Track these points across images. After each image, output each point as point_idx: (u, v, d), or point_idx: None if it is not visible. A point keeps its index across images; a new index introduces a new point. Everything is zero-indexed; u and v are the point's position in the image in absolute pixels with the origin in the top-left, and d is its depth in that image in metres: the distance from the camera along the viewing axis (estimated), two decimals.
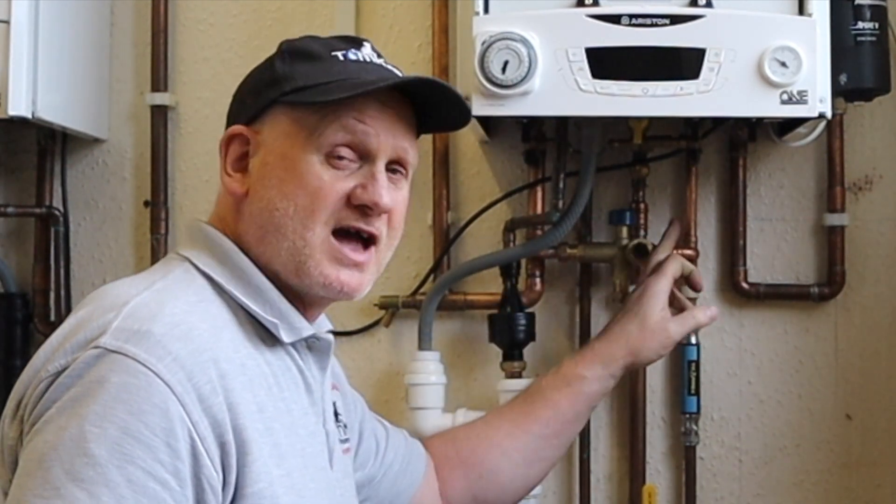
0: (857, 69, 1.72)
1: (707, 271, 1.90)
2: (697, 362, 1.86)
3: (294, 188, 1.18)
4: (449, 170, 1.94)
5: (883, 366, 1.89)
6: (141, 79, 2.01)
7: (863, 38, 1.72)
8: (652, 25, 1.53)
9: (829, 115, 1.57)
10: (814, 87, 1.54)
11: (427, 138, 1.89)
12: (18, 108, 1.71)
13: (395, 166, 1.23)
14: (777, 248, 1.91)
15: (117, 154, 2.02)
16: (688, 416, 1.87)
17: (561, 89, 1.54)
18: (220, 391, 1.08)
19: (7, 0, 1.70)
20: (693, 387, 1.86)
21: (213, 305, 1.16)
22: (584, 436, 1.89)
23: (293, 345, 1.22)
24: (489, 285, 1.90)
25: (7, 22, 1.70)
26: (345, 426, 1.34)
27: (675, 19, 1.53)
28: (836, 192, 1.87)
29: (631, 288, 1.82)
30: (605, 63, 1.53)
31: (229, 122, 1.26)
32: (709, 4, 1.54)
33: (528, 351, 1.87)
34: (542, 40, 1.53)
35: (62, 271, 1.99)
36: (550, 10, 1.55)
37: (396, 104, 1.23)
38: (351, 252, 1.20)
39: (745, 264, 1.89)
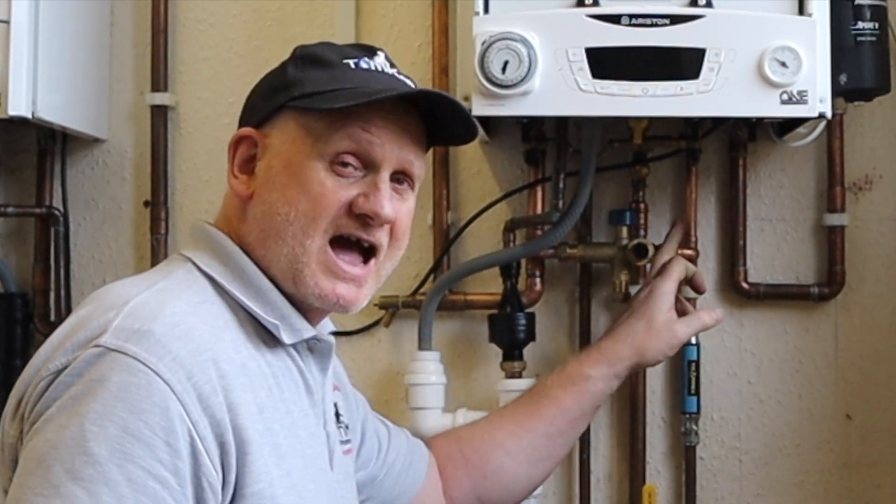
0: (857, 69, 1.72)
1: (707, 271, 1.90)
2: (697, 362, 1.86)
3: (297, 193, 1.18)
4: (449, 170, 1.94)
5: (883, 366, 1.89)
6: (141, 79, 2.01)
7: (863, 38, 1.72)
8: (652, 25, 1.53)
9: (829, 115, 1.58)
10: (814, 87, 1.54)
11: None
12: (18, 108, 1.71)
13: (401, 177, 1.23)
14: (777, 248, 1.91)
15: (117, 154, 2.02)
16: (688, 416, 1.87)
17: (561, 89, 1.54)
18: (219, 391, 1.08)
19: (7, 0, 1.70)
20: (693, 387, 1.86)
21: (214, 306, 1.16)
22: (584, 436, 1.89)
23: (294, 346, 1.22)
24: (489, 285, 1.90)
25: (7, 22, 1.70)
26: (346, 427, 1.34)
27: (675, 19, 1.53)
28: (836, 192, 1.87)
29: (632, 288, 1.82)
30: (605, 63, 1.53)
31: (240, 124, 1.26)
32: (709, 4, 1.54)
33: (528, 351, 1.87)
34: (542, 40, 1.53)
35: (62, 271, 1.99)
36: (550, 10, 1.55)
37: (404, 115, 1.22)
38: (347, 265, 1.20)
39: (745, 264, 1.89)
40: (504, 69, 1.52)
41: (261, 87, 1.28)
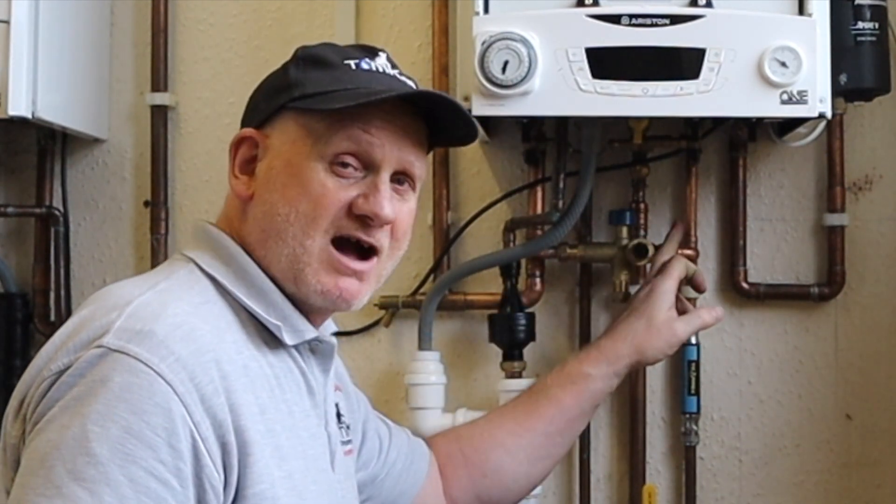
0: (857, 69, 1.72)
1: (707, 271, 1.90)
2: (697, 362, 1.86)
3: (297, 194, 1.18)
4: (449, 170, 1.94)
5: (883, 366, 1.89)
6: (141, 79, 2.01)
7: (863, 38, 1.72)
8: (652, 25, 1.53)
9: (829, 115, 1.58)
10: (814, 87, 1.54)
11: None
12: (18, 108, 1.71)
13: (402, 178, 1.23)
14: (777, 248, 1.91)
15: (117, 154, 2.02)
16: (688, 416, 1.87)
17: (561, 89, 1.54)
18: (221, 392, 1.08)
19: (7, 0, 1.70)
20: (693, 387, 1.86)
21: (216, 307, 1.16)
22: (584, 436, 1.89)
23: (296, 347, 1.22)
24: (489, 285, 1.90)
25: (7, 22, 1.70)
26: (347, 427, 1.33)
27: (675, 19, 1.53)
28: (836, 192, 1.87)
29: (632, 288, 1.83)
30: (605, 63, 1.53)
31: (242, 125, 1.26)
32: (709, 4, 1.54)
33: (528, 351, 1.87)
34: (542, 40, 1.53)
35: (62, 271, 1.98)
36: (550, 10, 1.55)
37: (405, 116, 1.22)
38: (349, 260, 1.20)
39: (745, 264, 1.89)
40: (504, 69, 1.52)
41: (262, 87, 1.28)
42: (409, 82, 1.25)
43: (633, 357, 1.60)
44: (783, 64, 1.52)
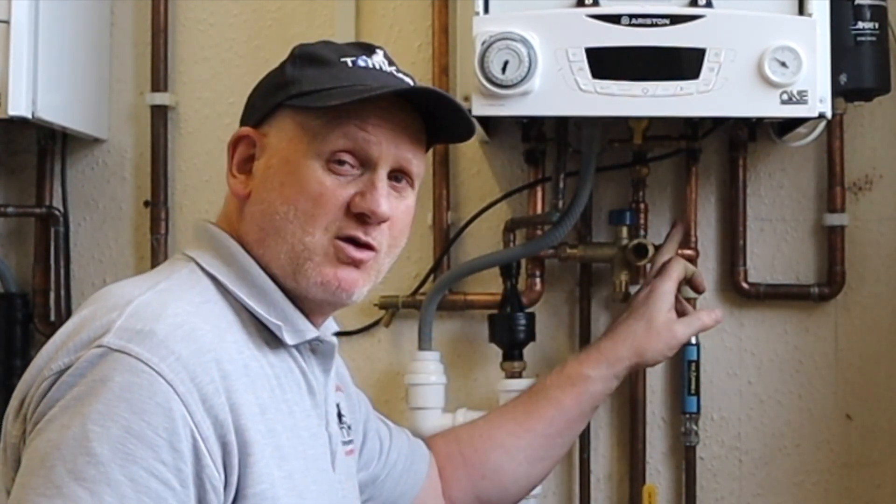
0: (857, 69, 1.72)
1: (707, 271, 1.90)
2: (697, 362, 1.86)
3: (295, 192, 1.18)
4: (449, 170, 1.94)
5: (883, 366, 1.89)
6: (141, 79, 2.01)
7: (863, 38, 1.72)
8: (652, 25, 1.53)
9: (829, 115, 1.58)
10: (814, 87, 1.54)
11: None
12: (18, 108, 1.71)
13: (399, 175, 1.23)
14: (777, 248, 1.91)
15: (117, 154, 2.02)
16: (688, 416, 1.87)
17: (561, 89, 1.54)
18: (222, 392, 1.08)
19: (7, 0, 1.70)
20: (693, 387, 1.86)
21: (217, 306, 1.16)
22: (584, 436, 1.89)
23: (296, 347, 1.22)
24: (489, 285, 1.90)
25: (7, 22, 1.70)
26: (348, 427, 1.33)
27: (675, 19, 1.53)
28: (836, 192, 1.87)
29: (632, 288, 1.83)
30: (605, 63, 1.53)
31: (241, 124, 1.26)
32: (709, 4, 1.54)
33: (528, 351, 1.87)
34: (542, 40, 1.53)
35: (62, 271, 1.98)
36: (550, 10, 1.55)
37: (402, 113, 1.22)
38: (352, 250, 1.20)
39: (745, 264, 1.89)
40: (504, 69, 1.52)
41: (260, 86, 1.28)
42: (407, 79, 1.25)
43: (633, 359, 1.60)
44: (783, 64, 1.52)
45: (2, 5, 1.70)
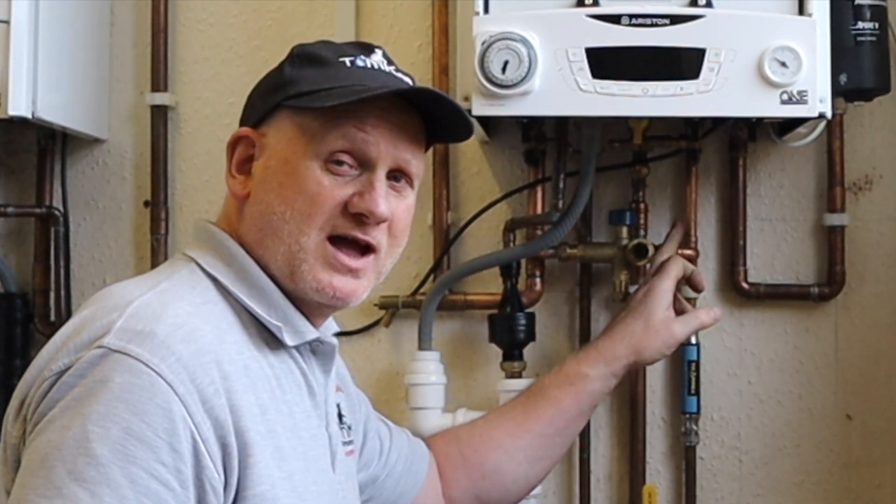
0: (857, 69, 1.72)
1: (707, 271, 1.90)
2: (697, 362, 1.86)
3: (293, 193, 1.18)
4: (449, 170, 1.94)
5: (883, 366, 1.89)
6: (141, 79, 2.01)
7: (863, 38, 1.72)
8: (652, 25, 1.53)
9: (829, 115, 1.58)
10: (814, 87, 1.54)
11: None
12: (18, 108, 1.71)
13: (398, 175, 1.23)
14: (777, 248, 1.91)
15: (117, 154, 2.02)
16: (688, 416, 1.87)
17: (561, 89, 1.54)
18: (222, 393, 1.08)
19: (7, 0, 1.70)
20: (693, 387, 1.86)
21: (217, 307, 1.16)
22: (584, 436, 1.89)
23: (297, 348, 1.22)
24: (489, 285, 1.90)
25: (7, 22, 1.70)
26: (349, 428, 1.33)
27: (675, 19, 1.53)
28: (836, 192, 1.87)
29: (632, 288, 1.83)
30: (605, 63, 1.53)
31: (240, 124, 1.26)
32: (709, 4, 1.54)
33: (528, 351, 1.87)
34: (542, 40, 1.53)
35: (62, 271, 1.99)
36: (550, 10, 1.55)
37: (400, 113, 1.22)
38: (346, 258, 1.19)
39: (745, 264, 1.89)
40: (504, 69, 1.52)
41: (259, 86, 1.27)
42: (406, 79, 1.25)
43: (631, 357, 1.59)
44: (783, 64, 1.52)
45: (2, 5, 1.70)
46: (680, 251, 1.83)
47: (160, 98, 1.98)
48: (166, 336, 1.06)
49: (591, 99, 1.54)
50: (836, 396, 1.90)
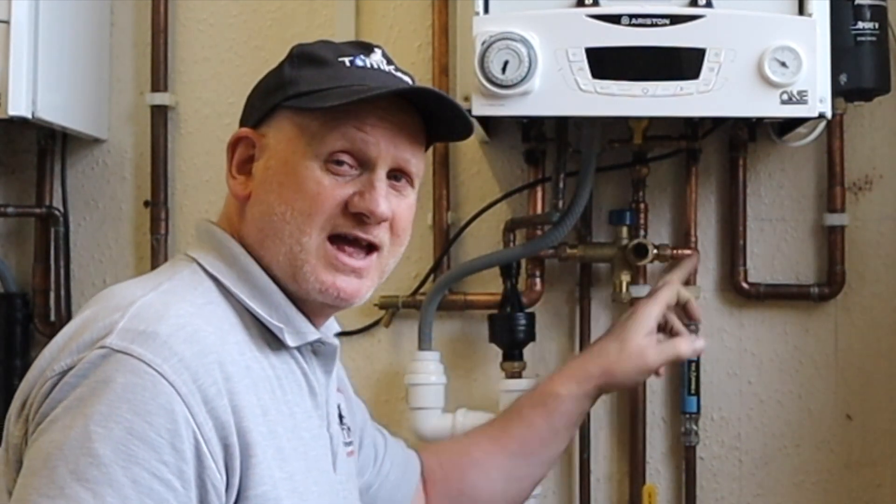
0: (857, 69, 1.72)
1: (707, 271, 1.90)
2: (697, 362, 1.87)
3: (293, 193, 1.18)
4: (449, 170, 1.94)
5: (883, 366, 1.89)
6: (141, 79, 2.01)
7: (863, 38, 1.72)
8: (652, 25, 1.53)
9: (829, 115, 1.58)
10: (814, 87, 1.54)
11: None
12: (18, 108, 1.71)
13: (398, 174, 1.23)
14: (777, 248, 1.91)
15: (117, 154, 2.02)
16: (688, 416, 1.87)
17: (561, 89, 1.54)
18: (224, 393, 1.08)
19: (7, 0, 1.70)
20: (693, 387, 1.86)
21: (219, 308, 1.16)
22: (584, 436, 1.89)
23: (298, 349, 1.21)
24: (489, 285, 1.90)
25: (7, 22, 1.70)
26: (349, 429, 1.33)
27: (675, 19, 1.53)
28: (836, 192, 1.88)
29: (633, 288, 1.83)
30: (605, 63, 1.53)
31: (241, 125, 1.26)
32: (709, 4, 1.54)
33: (528, 351, 1.87)
34: (542, 40, 1.53)
35: (62, 271, 1.99)
36: (550, 10, 1.55)
37: (400, 113, 1.21)
38: (348, 258, 1.19)
39: (745, 264, 1.89)
40: (504, 69, 1.52)
41: (259, 87, 1.27)
42: (406, 78, 1.25)
43: (602, 379, 1.54)
44: (783, 64, 1.52)
45: (2, 5, 1.70)
46: (680, 251, 1.83)
47: (160, 98, 1.98)
48: (169, 336, 1.06)
49: (591, 99, 1.54)
50: (836, 396, 1.90)
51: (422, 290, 1.93)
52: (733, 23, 1.54)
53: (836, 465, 1.89)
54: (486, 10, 1.56)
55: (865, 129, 1.90)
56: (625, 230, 1.87)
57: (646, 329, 1.56)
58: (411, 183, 1.24)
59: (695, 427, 1.88)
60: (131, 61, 2.02)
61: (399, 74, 1.24)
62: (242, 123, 1.26)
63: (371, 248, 1.20)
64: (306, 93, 1.19)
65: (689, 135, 1.85)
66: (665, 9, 1.53)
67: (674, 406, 1.92)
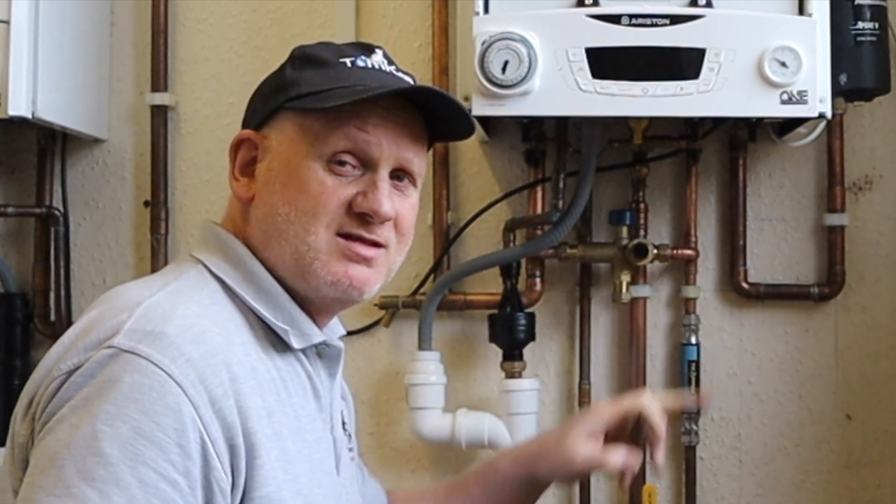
0: (857, 69, 1.72)
1: (707, 271, 1.91)
2: (697, 362, 1.87)
3: (296, 193, 1.18)
4: (449, 170, 1.95)
5: (883, 366, 1.89)
6: (141, 79, 2.01)
7: (863, 38, 1.72)
8: (652, 25, 1.53)
9: (829, 115, 1.58)
10: (814, 87, 1.54)
11: None
12: (18, 108, 1.71)
13: (401, 174, 1.23)
14: (777, 248, 1.92)
15: (117, 154, 2.02)
16: (688, 416, 1.87)
17: (561, 89, 1.54)
18: (231, 394, 1.07)
19: (7, 0, 1.70)
20: (693, 387, 1.86)
21: (225, 309, 1.16)
22: None
23: (303, 351, 1.21)
24: (489, 285, 1.90)
25: (7, 22, 1.70)
26: (350, 435, 1.33)
27: (675, 19, 1.53)
28: (836, 192, 1.88)
29: (633, 288, 1.83)
30: (605, 63, 1.53)
31: (243, 127, 1.26)
32: (709, 4, 1.55)
33: (528, 351, 1.87)
34: (542, 40, 1.53)
35: (62, 271, 1.99)
36: (550, 10, 1.56)
37: (402, 113, 1.21)
38: (361, 247, 1.19)
39: (745, 264, 1.90)
40: (504, 69, 1.52)
41: (261, 88, 1.27)
42: (407, 78, 1.25)
43: (531, 467, 1.43)
44: (783, 64, 1.53)
45: (2, 5, 1.70)
46: (680, 251, 1.84)
47: (160, 98, 1.98)
48: (176, 337, 1.06)
49: (591, 99, 1.54)
50: (836, 396, 1.90)
51: (422, 290, 1.93)
52: (733, 23, 1.54)
53: (836, 465, 1.89)
54: (486, 10, 1.56)
55: (865, 129, 1.90)
56: (625, 230, 1.87)
57: (589, 427, 1.41)
58: (414, 183, 1.24)
59: (695, 427, 1.88)
60: (131, 61, 2.02)
61: (400, 75, 1.25)
62: (244, 126, 1.26)
63: (377, 244, 1.20)
64: (308, 94, 1.19)
65: (689, 135, 1.85)
66: (665, 9, 1.53)
67: None
